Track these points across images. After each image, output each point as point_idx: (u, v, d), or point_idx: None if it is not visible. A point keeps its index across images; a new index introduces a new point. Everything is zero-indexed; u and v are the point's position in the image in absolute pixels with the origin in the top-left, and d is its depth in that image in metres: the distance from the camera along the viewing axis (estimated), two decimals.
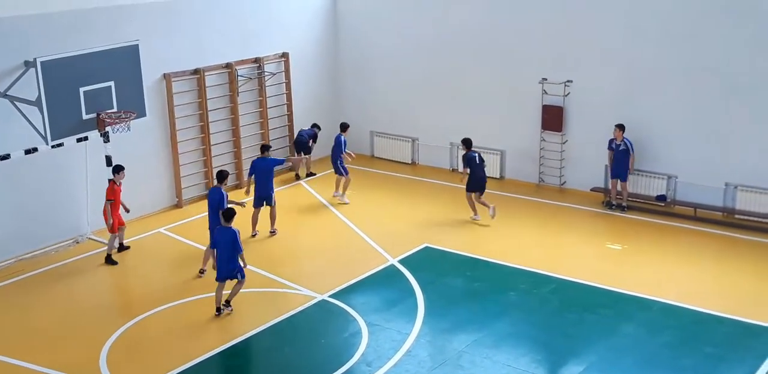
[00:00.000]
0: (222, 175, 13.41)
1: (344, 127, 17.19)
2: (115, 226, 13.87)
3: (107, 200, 13.73)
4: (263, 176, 14.83)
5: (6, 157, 12.93)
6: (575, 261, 13.86)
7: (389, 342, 11.30)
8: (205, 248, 13.67)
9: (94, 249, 14.47)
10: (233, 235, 11.82)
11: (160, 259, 14.21)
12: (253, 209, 14.92)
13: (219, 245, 11.95)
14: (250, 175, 15.00)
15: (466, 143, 15.76)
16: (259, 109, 18.06)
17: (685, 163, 15.79)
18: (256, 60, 17.72)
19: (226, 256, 11.90)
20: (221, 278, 12.04)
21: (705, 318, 11.79)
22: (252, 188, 14.95)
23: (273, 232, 15.08)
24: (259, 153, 15.27)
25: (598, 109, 16.55)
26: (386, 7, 18.92)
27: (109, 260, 13.90)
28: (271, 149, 15.64)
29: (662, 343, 11.15)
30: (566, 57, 16.69)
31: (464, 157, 15.65)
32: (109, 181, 13.85)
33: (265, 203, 14.93)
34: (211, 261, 12.62)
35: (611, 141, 15.82)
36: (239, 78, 17.32)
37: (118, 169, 13.86)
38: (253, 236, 14.95)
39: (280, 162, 15.35)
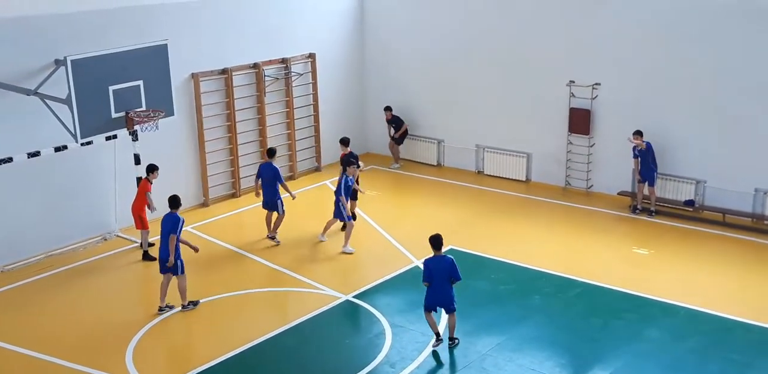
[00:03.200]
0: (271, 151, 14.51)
1: (351, 162, 14.71)
2: (146, 222, 13.97)
3: (146, 193, 13.86)
4: (267, 182, 14.62)
5: (36, 154, 13.09)
6: (601, 265, 13.76)
7: (413, 343, 11.29)
8: (230, 246, 13.71)
9: (121, 247, 14.61)
10: (177, 221, 11.96)
11: (185, 257, 14.25)
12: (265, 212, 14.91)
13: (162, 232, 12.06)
14: (257, 178, 14.82)
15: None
16: (285, 110, 18.13)
17: (715, 167, 15.63)
18: (283, 60, 17.79)
19: (164, 242, 12.01)
20: (163, 269, 12.18)
21: (731, 325, 11.67)
22: (261, 191, 14.78)
23: (272, 237, 14.72)
24: (266, 157, 14.98)
25: (626, 112, 16.42)
26: (413, 9, 18.92)
27: (147, 256, 14.01)
28: (277, 155, 15.12)
29: (687, 349, 11.05)
30: (594, 60, 16.59)
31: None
32: (143, 178, 13.96)
33: (270, 209, 14.78)
34: None
35: (633, 148, 15.71)
36: (266, 78, 17.40)
37: (153, 169, 13.94)
38: (271, 238, 14.86)
39: (280, 180, 14.67)
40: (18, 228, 13.84)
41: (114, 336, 11.49)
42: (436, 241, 10.91)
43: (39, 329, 11.85)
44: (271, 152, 14.88)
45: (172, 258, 11.87)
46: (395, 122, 19.19)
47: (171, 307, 12.17)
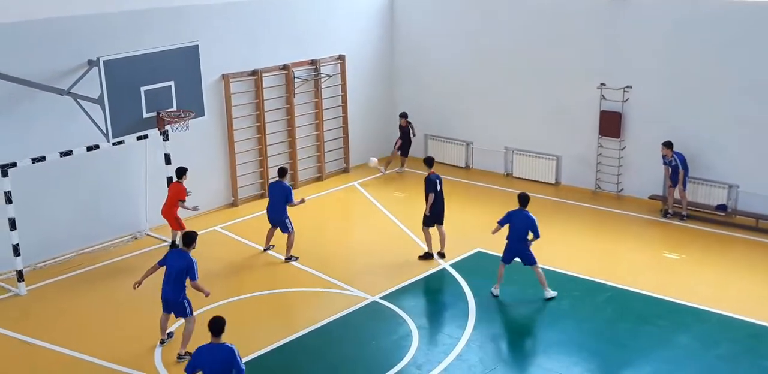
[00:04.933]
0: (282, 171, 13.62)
1: (283, 172, 14.20)
2: (182, 223, 14.02)
3: (180, 201, 13.82)
4: (274, 200, 13.90)
5: (69, 153, 13.24)
6: (631, 269, 13.63)
7: (440, 345, 11.27)
8: (258, 246, 13.75)
9: (151, 246, 14.72)
10: (189, 262, 10.59)
11: (214, 257, 14.37)
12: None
13: (168, 269, 10.69)
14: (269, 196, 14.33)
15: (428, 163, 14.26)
16: (314, 111, 18.18)
17: (748, 172, 15.41)
18: (313, 62, 17.84)
19: (173, 282, 10.70)
20: (166, 309, 10.98)
21: (763, 332, 11.49)
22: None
23: (288, 259, 14.06)
24: (278, 176, 14.07)
25: (657, 116, 16.26)
26: (443, 11, 18.88)
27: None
28: (287, 173, 14.41)
29: (718, 356, 10.90)
30: (625, 62, 16.44)
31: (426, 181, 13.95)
32: (174, 181, 14.04)
33: (280, 228, 14.14)
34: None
35: (663, 157, 15.55)
36: (296, 79, 17.47)
37: (183, 172, 13.93)
38: (266, 250, 14.52)
39: (290, 199, 13.80)
40: (49, 226, 14.01)
41: (144, 334, 11.58)
42: (524, 198, 12.49)
43: (70, 326, 11.99)
44: (283, 172, 14.09)
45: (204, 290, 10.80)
46: (405, 131, 18.84)
47: (171, 335, 11.39)
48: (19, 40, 13.15)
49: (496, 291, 12.61)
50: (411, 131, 18.87)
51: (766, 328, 11.54)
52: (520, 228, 12.39)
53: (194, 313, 10.93)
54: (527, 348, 11.11)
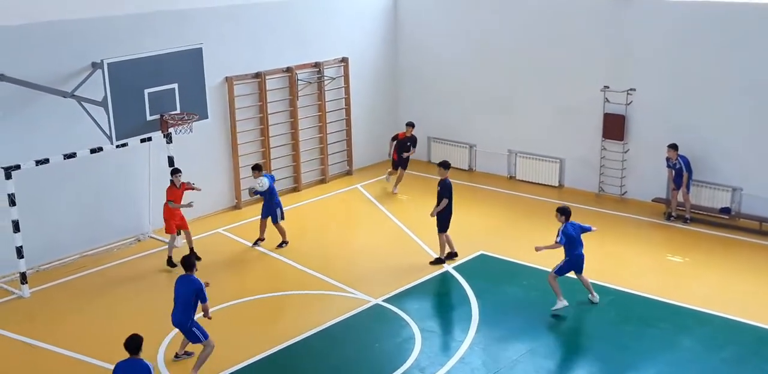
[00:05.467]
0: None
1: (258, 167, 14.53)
2: (173, 227, 14.04)
3: (168, 200, 13.95)
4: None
5: (72, 155, 13.25)
6: (634, 272, 13.61)
7: (443, 348, 11.26)
8: (261, 249, 13.68)
9: (154, 248, 14.74)
10: (197, 285, 10.38)
11: (218, 259, 14.38)
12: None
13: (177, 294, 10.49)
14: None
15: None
16: (318, 114, 18.19)
17: (751, 175, 15.39)
18: (316, 64, 17.86)
19: (182, 306, 10.45)
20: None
21: (766, 335, 11.46)
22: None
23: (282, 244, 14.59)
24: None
25: (661, 118, 16.25)
26: (447, 14, 18.89)
27: (170, 262, 13.98)
28: (269, 169, 14.51)
29: (722, 359, 10.87)
30: (629, 65, 16.43)
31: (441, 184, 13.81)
32: (171, 181, 14.10)
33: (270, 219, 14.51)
34: None
35: (667, 159, 15.53)
36: (299, 82, 17.48)
37: (174, 172, 14.00)
38: (255, 244, 14.76)
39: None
40: (53, 228, 14.04)
41: (146, 336, 11.49)
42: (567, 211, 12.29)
43: (73, 328, 11.99)
44: (258, 167, 14.45)
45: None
46: (412, 141, 17.66)
47: (190, 354, 11.01)
48: (23, 42, 13.18)
49: (563, 302, 12.10)
50: (411, 146, 17.60)
51: None
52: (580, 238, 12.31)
53: (209, 337, 10.47)
54: (531, 351, 11.09)
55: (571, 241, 12.11)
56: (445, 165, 13.98)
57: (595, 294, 12.43)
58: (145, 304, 12.69)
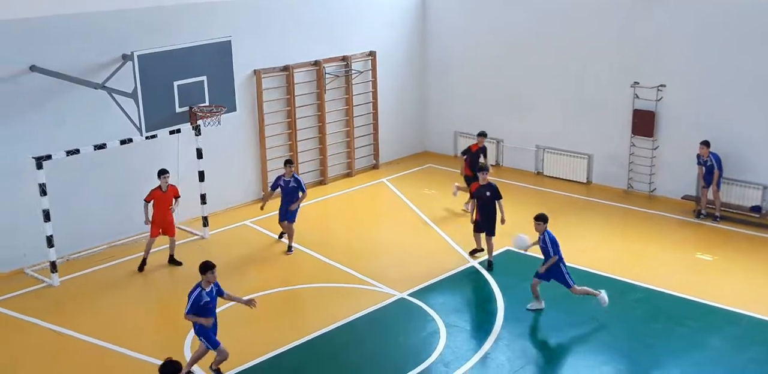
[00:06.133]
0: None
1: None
2: (154, 231, 13.64)
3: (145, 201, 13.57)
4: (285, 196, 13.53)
5: (102, 146, 13.36)
6: (662, 270, 13.48)
7: (467, 343, 11.23)
8: (287, 241, 13.69)
9: (181, 239, 14.82)
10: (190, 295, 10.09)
11: (244, 251, 14.46)
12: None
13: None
14: (273, 190, 14.62)
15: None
16: (345, 107, 18.20)
17: None
18: (344, 58, 17.86)
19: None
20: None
21: None
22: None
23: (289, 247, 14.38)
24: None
25: (691, 115, 16.06)
26: (474, 10, 18.79)
27: (142, 264, 13.69)
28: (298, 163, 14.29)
29: (750, 359, 10.74)
30: (659, 61, 16.25)
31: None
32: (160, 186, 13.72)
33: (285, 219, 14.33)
34: None
35: (698, 156, 15.34)
36: (327, 75, 17.49)
37: (159, 173, 13.59)
38: (282, 236, 14.80)
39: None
40: (82, 218, 14.18)
41: (172, 326, 11.68)
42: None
43: (100, 317, 12.12)
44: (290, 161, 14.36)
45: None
46: (483, 152, 16.03)
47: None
48: (54, 34, 13.31)
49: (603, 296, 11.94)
50: (483, 156, 15.87)
51: None
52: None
53: (220, 344, 10.16)
54: (555, 348, 11.03)
55: (556, 245, 11.78)
56: (485, 168, 13.78)
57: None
58: (171, 295, 12.78)
